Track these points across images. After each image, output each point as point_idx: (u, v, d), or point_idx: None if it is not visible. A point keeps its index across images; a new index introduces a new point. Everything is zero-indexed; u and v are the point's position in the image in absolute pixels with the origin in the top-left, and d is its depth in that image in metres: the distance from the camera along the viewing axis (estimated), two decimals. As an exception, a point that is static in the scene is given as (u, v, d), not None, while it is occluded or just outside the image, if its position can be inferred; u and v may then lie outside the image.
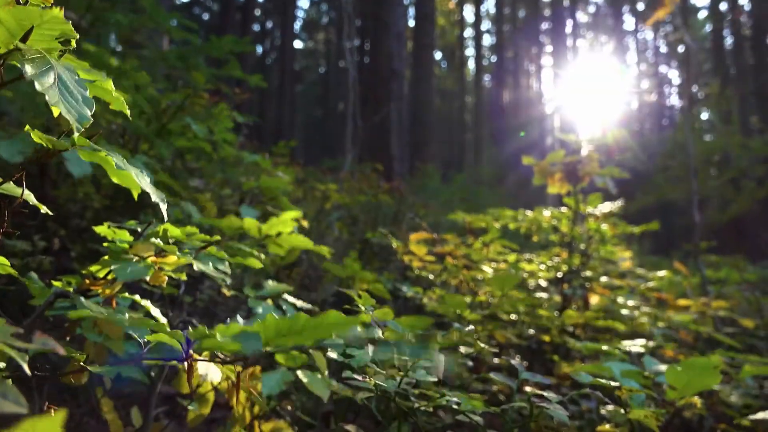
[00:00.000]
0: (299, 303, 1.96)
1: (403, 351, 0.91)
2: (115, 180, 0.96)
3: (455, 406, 1.01)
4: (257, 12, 32.77)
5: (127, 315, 0.97)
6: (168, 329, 0.93)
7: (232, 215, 2.11)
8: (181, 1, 29.62)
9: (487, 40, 38.38)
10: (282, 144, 5.07)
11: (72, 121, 0.66)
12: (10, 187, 0.94)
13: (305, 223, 2.93)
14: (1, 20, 0.70)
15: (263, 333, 0.78)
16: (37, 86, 0.71)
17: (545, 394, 1.10)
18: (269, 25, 36.12)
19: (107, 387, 1.45)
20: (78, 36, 0.74)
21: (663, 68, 37.16)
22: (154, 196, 1.01)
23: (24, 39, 0.72)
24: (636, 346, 2.25)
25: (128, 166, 0.89)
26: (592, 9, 38.26)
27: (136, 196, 0.99)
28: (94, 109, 0.72)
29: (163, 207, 1.03)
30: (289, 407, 1.53)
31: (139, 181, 0.93)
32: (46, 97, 0.66)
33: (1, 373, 0.89)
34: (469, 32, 37.44)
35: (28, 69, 0.73)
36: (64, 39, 0.74)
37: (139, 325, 0.92)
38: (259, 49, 33.74)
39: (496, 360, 2.37)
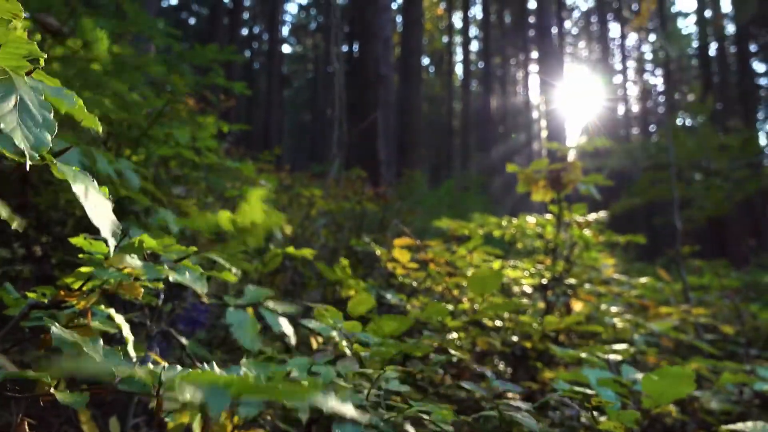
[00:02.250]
0: (280, 309, 1.95)
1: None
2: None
3: (425, 416, 1.02)
4: (245, 16, 32.72)
5: (101, 342, 0.96)
6: (135, 349, 0.92)
7: (207, 213, 2.11)
8: (169, 3, 29.50)
9: (475, 46, 38.53)
10: (267, 153, 5.07)
11: (27, 149, 0.66)
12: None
13: (289, 229, 2.93)
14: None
15: (234, 388, 0.75)
16: (-5, 112, 0.69)
17: (514, 403, 1.12)
18: (257, 29, 36.07)
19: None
20: (45, 56, 0.74)
21: (648, 75, 37.56)
22: (105, 231, 0.88)
23: (-13, 57, 0.72)
24: (617, 353, 2.27)
25: (93, 192, 0.85)
26: (578, 15, 38.62)
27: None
28: (55, 131, 0.72)
29: (112, 242, 0.91)
30: (269, 417, 1.53)
31: (96, 211, 0.85)
32: (0, 125, 0.65)
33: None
34: (457, 38, 37.57)
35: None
36: (32, 58, 0.74)
37: (112, 356, 0.91)
38: (247, 54, 33.67)
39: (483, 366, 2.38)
